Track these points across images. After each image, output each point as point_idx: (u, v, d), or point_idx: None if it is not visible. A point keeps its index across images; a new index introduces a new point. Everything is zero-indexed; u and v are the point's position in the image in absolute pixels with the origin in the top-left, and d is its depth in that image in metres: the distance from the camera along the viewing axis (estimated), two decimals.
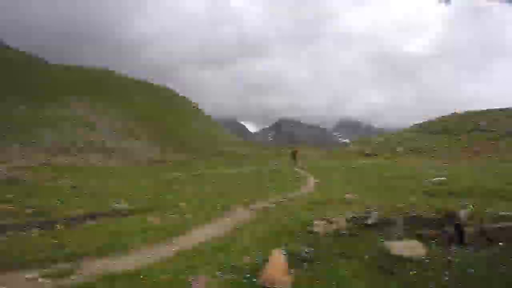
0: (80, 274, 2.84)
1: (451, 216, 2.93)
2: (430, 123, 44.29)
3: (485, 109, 38.74)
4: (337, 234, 3.20)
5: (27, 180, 15.04)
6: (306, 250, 2.69)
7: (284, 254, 2.57)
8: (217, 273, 2.46)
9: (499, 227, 2.49)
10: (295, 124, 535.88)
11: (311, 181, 14.72)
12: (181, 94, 76.59)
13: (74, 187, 11.62)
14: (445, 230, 2.78)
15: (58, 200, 7.75)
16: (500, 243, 2.38)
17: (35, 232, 4.41)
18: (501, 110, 38.51)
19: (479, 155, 25.65)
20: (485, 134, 31.07)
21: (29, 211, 5.67)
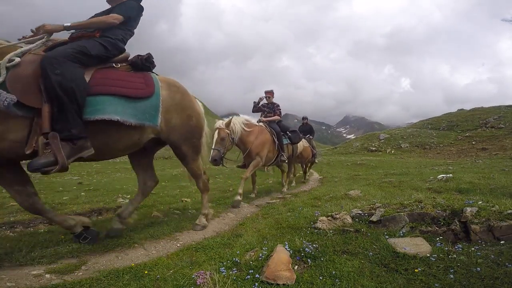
0: (86, 269, 2.88)
1: (457, 213, 2.90)
2: (435, 119, 43.92)
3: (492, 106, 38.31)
4: (341, 230, 3.19)
5: (34, 176, 15.25)
6: (310, 246, 2.69)
7: (287, 250, 2.58)
8: (221, 268, 2.47)
9: (507, 225, 2.46)
10: (299, 119, 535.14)
11: (315, 177, 14.70)
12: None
13: (80, 183, 11.75)
14: (450, 227, 2.76)
15: (65, 196, 7.85)
16: (507, 242, 2.36)
17: (42, 227, 4.47)
18: (508, 107, 38.03)
19: (486, 151, 25.36)
20: (492, 131, 30.73)
21: None
